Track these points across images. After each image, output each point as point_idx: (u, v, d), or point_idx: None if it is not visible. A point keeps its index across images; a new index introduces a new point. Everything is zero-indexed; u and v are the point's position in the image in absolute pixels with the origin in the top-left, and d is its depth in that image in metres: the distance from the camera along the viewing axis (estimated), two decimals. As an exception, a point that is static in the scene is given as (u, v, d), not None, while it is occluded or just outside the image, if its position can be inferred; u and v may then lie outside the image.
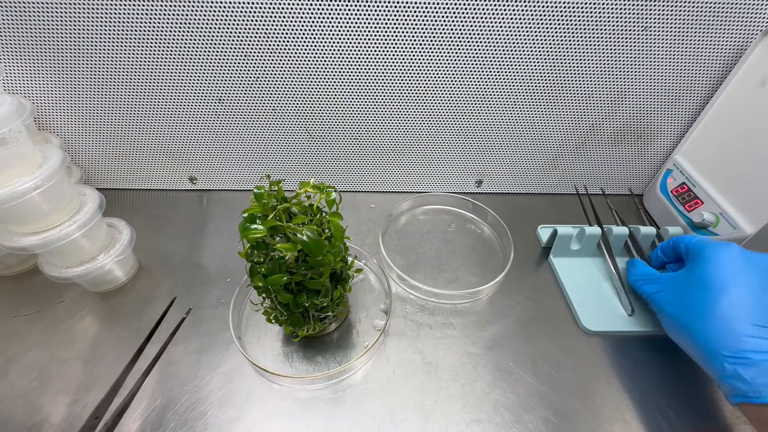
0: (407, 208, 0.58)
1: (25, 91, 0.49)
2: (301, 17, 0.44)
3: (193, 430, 0.34)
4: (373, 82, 0.50)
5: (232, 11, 0.44)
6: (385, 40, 0.46)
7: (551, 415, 0.36)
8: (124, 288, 0.46)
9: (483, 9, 0.44)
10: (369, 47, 0.47)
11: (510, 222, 0.52)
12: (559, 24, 0.45)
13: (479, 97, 0.51)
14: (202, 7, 0.43)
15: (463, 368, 0.39)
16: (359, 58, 0.47)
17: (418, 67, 0.48)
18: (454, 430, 0.35)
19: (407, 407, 0.36)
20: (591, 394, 0.38)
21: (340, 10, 0.44)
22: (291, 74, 0.49)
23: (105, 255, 0.43)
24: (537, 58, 0.48)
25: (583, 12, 0.44)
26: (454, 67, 0.48)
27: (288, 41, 0.46)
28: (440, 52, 0.47)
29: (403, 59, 0.48)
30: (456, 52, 0.47)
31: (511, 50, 0.47)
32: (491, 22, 0.45)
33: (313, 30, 0.45)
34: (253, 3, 0.43)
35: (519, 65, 0.48)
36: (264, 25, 0.45)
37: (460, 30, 0.45)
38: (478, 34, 0.46)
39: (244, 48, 0.46)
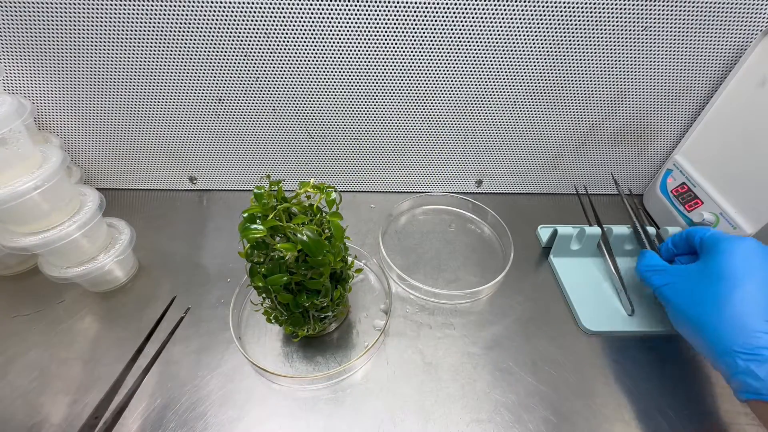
0: (407, 208, 0.58)
1: (25, 91, 0.49)
2: (301, 17, 0.44)
3: (193, 430, 0.34)
4: (373, 82, 0.50)
5: (232, 11, 0.44)
6: (385, 40, 0.46)
7: (551, 415, 0.36)
8: (124, 288, 0.46)
9: (483, 9, 0.44)
10: (369, 47, 0.47)
11: (510, 222, 0.52)
12: (559, 24, 0.45)
13: (479, 97, 0.51)
14: (202, 7, 0.43)
15: (463, 368, 0.39)
16: (359, 58, 0.47)
17: (418, 67, 0.48)
18: (454, 430, 0.35)
19: (407, 407, 0.36)
20: (591, 394, 0.38)
21: (340, 10, 0.44)
22: (291, 74, 0.49)
23: (105, 255, 0.43)
24: (537, 58, 0.48)
25: (583, 12, 0.44)
26: (454, 67, 0.48)
27: (288, 41, 0.46)
28: (440, 52, 0.47)
29: (403, 59, 0.48)
30: (456, 52, 0.47)
31: (511, 50, 0.47)
32: (491, 23, 0.45)
33: (313, 30, 0.45)
34: (253, 3, 0.43)
35: (519, 65, 0.48)
36: (264, 25, 0.45)
37: (460, 30, 0.45)
38: (478, 35, 0.46)
39: (244, 48, 0.46)
